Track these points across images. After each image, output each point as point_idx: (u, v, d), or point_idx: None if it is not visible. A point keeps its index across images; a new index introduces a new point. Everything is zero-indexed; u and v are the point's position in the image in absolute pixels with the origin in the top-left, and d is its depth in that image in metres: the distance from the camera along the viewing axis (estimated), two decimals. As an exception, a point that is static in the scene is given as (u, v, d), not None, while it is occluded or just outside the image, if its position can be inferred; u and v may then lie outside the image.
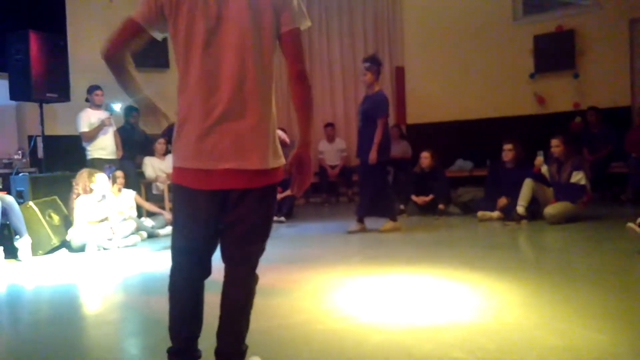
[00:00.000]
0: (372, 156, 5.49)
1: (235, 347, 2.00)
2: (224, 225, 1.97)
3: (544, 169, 6.09)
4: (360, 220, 5.80)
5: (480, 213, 6.25)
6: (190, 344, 2.01)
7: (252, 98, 1.87)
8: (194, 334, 2.01)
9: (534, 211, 5.93)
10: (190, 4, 1.84)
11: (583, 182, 5.80)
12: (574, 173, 5.81)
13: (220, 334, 1.99)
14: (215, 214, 1.93)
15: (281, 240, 5.61)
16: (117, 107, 6.82)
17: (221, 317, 1.99)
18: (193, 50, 1.85)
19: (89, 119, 6.46)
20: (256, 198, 1.92)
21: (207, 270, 2.02)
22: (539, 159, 6.08)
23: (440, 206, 6.72)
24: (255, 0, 1.86)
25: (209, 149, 1.84)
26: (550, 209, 5.70)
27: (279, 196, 7.19)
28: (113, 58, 1.92)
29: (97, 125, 6.46)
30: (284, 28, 1.90)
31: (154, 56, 7.60)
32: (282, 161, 1.97)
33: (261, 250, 2.04)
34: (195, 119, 1.85)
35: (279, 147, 1.98)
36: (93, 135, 6.46)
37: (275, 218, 6.78)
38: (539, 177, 6.01)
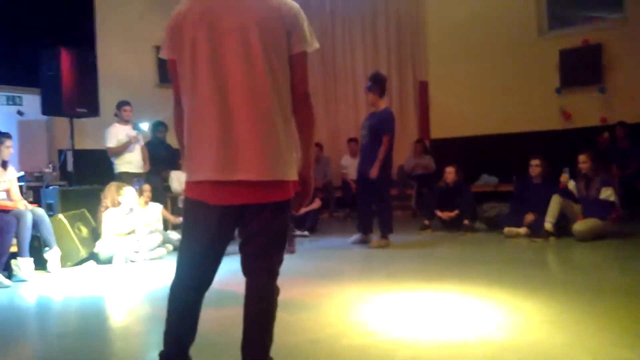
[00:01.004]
0: (374, 171, 5.59)
1: (260, 359, 2.01)
2: (242, 239, 2.01)
3: (571, 185, 6.00)
4: (385, 236, 5.80)
5: (506, 229, 6.16)
6: (182, 351, 2.06)
7: (265, 110, 1.89)
8: (186, 343, 2.07)
9: (562, 228, 5.83)
10: (195, 16, 1.90)
11: (612, 198, 5.70)
12: (603, 189, 5.71)
13: (245, 347, 2.00)
14: (227, 229, 1.98)
15: (305, 254, 5.60)
16: (145, 126, 7.02)
17: (245, 330, 2.00)
18: (199, 65, 1.89)
19: (117, 134, 6.58)
20: (272, 212, 1.95)
21: (208, 284, 2.05)
22: (565, 176, 6.00)
23: (466, 222, 6.65)
24: (265, 18, 1.90)
25: (224, 162, 1.87)
26: (579, 226, 5.60)
27: (302, 210, 7.24)
28: (179, 102, 2.02)
29: (124, 141, 6.58)
30: (294, 50, 1.96)
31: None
32: (294, 175, 1.99)
33: (280, 261, 2.06)
34: (206, 132, 1.89)
35: (293, 160, 1.99)
36: (120, 151, 6.58)
37: (298, 232, 6.89)
38: (566, 193, 5.92)
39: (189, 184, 1.98)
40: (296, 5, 1.97)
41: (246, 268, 2.03)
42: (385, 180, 5.77)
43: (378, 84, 5.77)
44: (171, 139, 7.42)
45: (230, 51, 1.87)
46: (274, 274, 2.04)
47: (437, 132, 9.55)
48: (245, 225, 1.97)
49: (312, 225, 7.27)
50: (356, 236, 6.06)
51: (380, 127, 5.67)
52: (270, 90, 1.89)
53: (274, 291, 2.04)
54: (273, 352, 2.05)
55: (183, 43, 1.92)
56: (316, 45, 2.01)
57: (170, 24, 1.97)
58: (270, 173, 1.89)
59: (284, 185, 1.94)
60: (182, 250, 2.04)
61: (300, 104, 2.00)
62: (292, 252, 5.52)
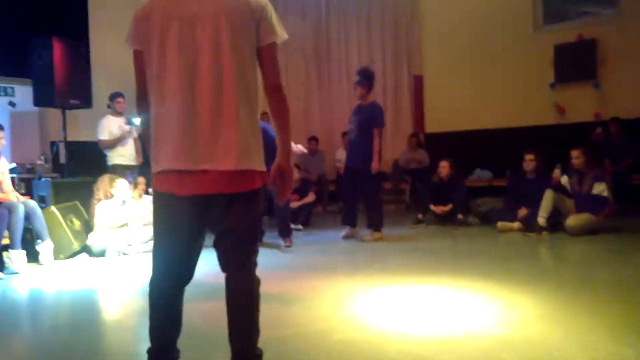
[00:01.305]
0: (375, 165, 5.65)
1: (249, 352, 2.01)
2: (215, 235, 2.00)
3: (564, 180, 6.02)
4: (378, 229, 5.83)
5: (500, 224, 6.19)
6: (169, 346, 2.06)
7: (230, 101, 1.89)
8: (172, 337, 2.06)
9: (555, 222, 5.85)
10: (165, 7, 1.90)
11: (605, 193, 5.72)
12: (596, 184, 5.74)
13: (232, 341, 1.99)
14: (196, 221, 1.96)
15: (298, 248, 5.60)
16: (137, 120, 6.92)
17: (230, 325, 1.99)
18: (168, 55, 1.89)
19: (109, 126, 6.54)
20: (241, 204, 1.94)
21: (188, 277, 2.05)
22: (557, 171, 6.02)
23: (459, 216, 6.67)
24: (234, 9, 1.90)
25: (188, 151, 1.87)
26: (572, 221, 5.63)
27: (296, 204, 7.24)
28: (145, 93, 2.00)
29: (117, 134, 6.54)
30: (263, 41, 1.97)
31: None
32: (262, 166, 1.99)
33: (256, 251, 2.05)
34: (173, 121, 1.88)
35: (259, 151, 1.99)
36: (112, 144, 6.54)
37: (292, 226, 6.88)
38: (559, 189, 5.94)
39: (155, 176, 1.96)
40: None
41: (223, 264, 2.02)
42: (377, 173, 5.83)
43: (367, 78, 5.84)
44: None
45: (200, 42, 1.88)
46: (251, 265, 2.03)
47: (432, 126, 9.56)
48: (216, 220, 1.96)
49: (306, 219, 7.27)
50: (346, 230, 6.08)
51: (371, 120, 5.73)
52: (237, 82, 1.90)
53: (254, 283, 2.04)
54: (264, 346, 2.06)
55: (151, 34, 1.91)
56: (285, 36, 2.02)
57: (137, 14, 1.97)
58: (235, 163, 1.88)
59: (250, 175, 1.93)
60: (156, 245, 2.02)
61: (273, 95, 2.01)
62: (289, 245, 5.54)
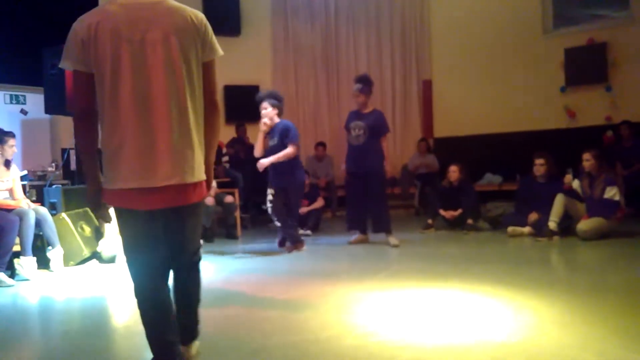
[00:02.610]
0: (390, 168, 5.86)
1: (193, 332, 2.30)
2: (173, 239, 2.14)
3: (576, 184, 5.97)
4: (390, 232, 5.83)
5: (510, 228, 6.14)
6: (170, 349, 2.12)
7: (185, 118, 1.99)
8: (172, 339, 2.12)
9: (567, 227, 5.80)
10: (113, 30, 1.91)
11: (617, 197, 5.67)
12: (608, 188, 5.68)
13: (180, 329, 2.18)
14: (156, 230, 2.07)
15: (307, 254, 5.59)
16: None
17: (178, 314, 2.18)
18: (121, 79, 1.91)
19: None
20: (191, 212, 2.12)
21: (164, 280, 2.16)
22: (568, 176, 5.97)
23: (469, 221, 6.63)
24: (181, 28, 1.98)
25: (148, 170, 1.94)
26: (583, 225, 5.58)
27: (305, 209, 7.23)
28: (87, 113, 2.00)
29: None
30: (207, 58, 2.11)
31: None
32: (203, 176, 2.12)
33: (198, 247, 2.26)
34: (131, 141, 1.92)
35: (202, 163, 2.12)
36: None
37: (301, 232, 6.87)
38: (571, 193, 5.89)
39: (111, 192, 2.00)
40: (201, 15, 2.09)
41: (174, 264, 2.19)
42: (386, 177, 5.93)
43: (369, 85, 5.91)
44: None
45: (154, 62, 1.93)
46: (197, 261, 2.25)
47: (441, 130, 9.53)
48: (174, 228, 2.12)
49: (315, 224, 7.26)
50: (356, 236, 6.06)
51: (380, 126, 5.83)
52: (189, 99, 2.00)
53: (199, 275, 2.27)
54: (275, 352, 2.05)
55: (100, 57, 1.92)
56: (221, 52, 2.16)
57: (79, 36, 1.94)
58: (190, 177, 2.01)
59: (200, 185, 2.10)
60: (127, 258, 2.12)
61: (212, 108, 2.16)
62: (299, 249, 5.60)
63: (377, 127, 5.79)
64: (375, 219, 5.94)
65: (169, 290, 2.16)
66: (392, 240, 5.78)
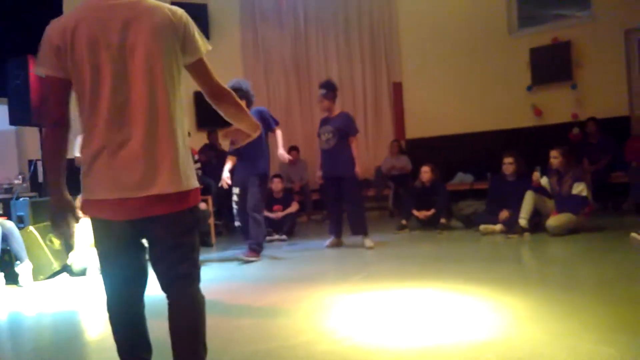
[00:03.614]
0: (359, 170, 5.81)
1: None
2: (152, 256, 1.99)
3: (544, 181, 6.08)
4: (366, 234, 5.86)
5: (482, 226, 6.23)
6: None
7: (164, 124, 1.88)
8: (141, 354, 2.05)
9: (536, 223, 5.91)
10: (90, 36, 1.82)
11: (584, 193, 5.78)
12: (575, 184, 5.80)
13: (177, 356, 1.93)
14: (133, 240, 1.97)
15: (282, 259, 5.57)
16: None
17: (173, 348, 1.93)
18: (101, 83, 1.83)
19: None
20: (174, 222, 1.93)
21: (139, 295, 2.06)
22: (536, 174, 6.08)
23: (442, 220, 6.70)
24: (159, 31, 1.87)
25: (125, 178, 1.84)
26: (552, 221, 5.68)
27: (280, 214, 7.22)
28: (60, 123, 1.89)
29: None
30: (193, 58, 1.98)
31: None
32: (195, 184, 1.99)
33: (194, 267, 1.99)
34: (109, 150, 1.84)
35: (192, 170, 2.00)
36: None
37: (276, 237, 6.85)
38: (539, 190, 6.00)
39: (88, 202, 1.92)
40: (181, 10, 1.96)
41: (163, 284, 1.98)
42: (360, 180, 5.97)
43: (332, 90, 5.94)
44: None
45: (133, 69, 1.84)
46: (194, 282, 1.99)
47: (413, 132, 9.61)
48: (152, 240, 1.96)
49: (290, 228, 7.25)
50: (331, 239, 6.08)
51: (348, 129, 5.85)
52: (170, 107, 1.89)
53: (196, 301, 1.98)
54: (250, 358, 2.02)
55: (78, 65, 1.83)
56: (208, 47, 2.02)
57: (54, 42, 1.84)
58: (170, 186, 1.87)
59: (183, 195, 1.92)
60: (101, 268, 2.03)
61: (221, 95, 2.07)
62: (251, 257, 5.42)
63: (345, 129, 5.81)
64: (351, 222, 5.95)
65: (142, 306, 2.07)
66: (367, 242, 5.80)
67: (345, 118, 5.92)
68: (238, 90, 5.59)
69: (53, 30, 1.86)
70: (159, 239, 1.94)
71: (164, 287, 1.97)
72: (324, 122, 5.97)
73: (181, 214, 1.93)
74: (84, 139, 1.89)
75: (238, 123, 2.16)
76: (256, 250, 5.45)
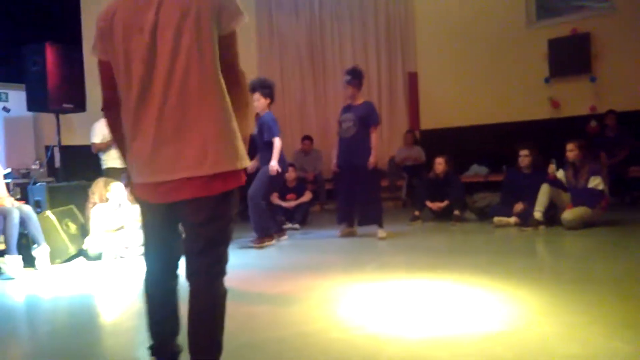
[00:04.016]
0: (374, 160, 5.71)
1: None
2: (185, 238, 2.00)
3: (560, 174, 6.02)
4: (381, 225, 5.84)
5: (496, 219, 6.19)
6: (169, 341, 2.11)
7: (195, 106, 1.84)
8: (171, 332, 2.12)
9: (552, 217, 5.86)
10: (125, 20, 1.85)
11: (601, 187, 5.73)
12: (592, 178, 5.74)
13: (191, 353, 1.92)
14: (170, 223, 2.03)
15: (296, 247, 5.60)
16: None
17: (189, 334, 1.92)
18: (133, 69, 1.85)
19: (102, 129, 6.51)
20: (214, 207, 1.89)
21: (173, 275, 2.10)
22: (552, 166, 6.02)
23: (456, 212, 6.67)
24: (190, 5, 1.82)
25: (160, 162, 1.86)
26: (568, 215, 5.63)
27: (293, 203, 7.24)
28: (111, 103, 2.01)
29: (109, 139, 6.52)
30: (226, 30, 1.90)
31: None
32: (232, 166, 1.89)
33: (222, 260, 1.98)
34: (144, 134, 1.86)
35: (240, 147, 1.94)
36: (104, 147, 6.50)
37: (289, 225, 6.87)
38: (555, 183, 5.95)
39: (133, 184, 2.01)
40: None
41: (187, 270, 1.97)
42: (377, 169, 5.92)
43: (358, 77, 5.86)
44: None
45: (166, 49, 1.81)
46: (217, 274, 1.96)
47: (427, 123, 9.55)
48: (188, 224, 1.96)
49: (303, 218, 7.27)
50: (343, 228, 6.08)
51: (370, 118, 5.78)
52: (204, 87, 1.84)
53: (218, 293, 1.96)
54: (263, 346, 2.05)
55: (116, 46, 1.87)
56: (246, 19, 1.93)
57: (100, 24, 1.91)
58: (207, 168, 1.83)
59: (224, 176, 1.87)
60: (144, 245, 2.12)
61: (235, 80, 1.96)
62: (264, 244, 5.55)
63: (366, 118, 5.75)
64: (364, 212, 5.93)
65: (173, 289, 2.10)
66: (380, 232, 5.80)
67: (368, 107, 5.85)
68: (268, 87, 5.64)
69: (100, 14, 1.93)
70: (186, 225, 1.97)
71: (187, 276, 1.97)
72: (346, 109, 5.93)
73: (206, 199, 1.87)
74: (124, 124, 1.95)
75: (240, 120, 2.03)
76: (263, 235, 5.55)
